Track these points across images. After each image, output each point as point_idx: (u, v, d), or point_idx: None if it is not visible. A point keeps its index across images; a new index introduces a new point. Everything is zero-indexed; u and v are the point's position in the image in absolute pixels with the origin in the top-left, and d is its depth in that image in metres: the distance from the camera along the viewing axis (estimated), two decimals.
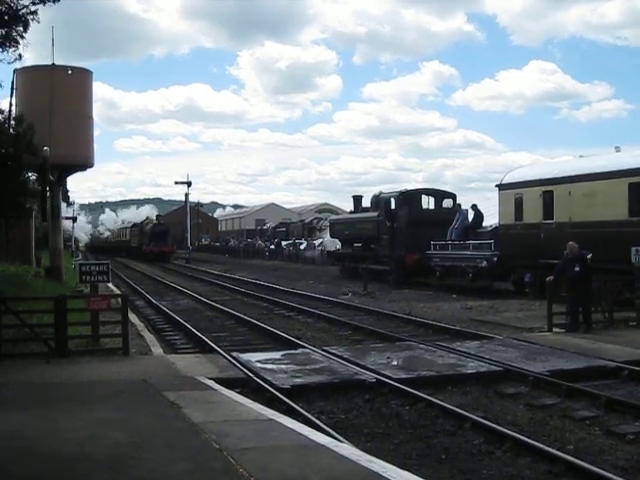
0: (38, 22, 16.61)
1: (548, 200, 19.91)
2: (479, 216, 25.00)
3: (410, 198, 27.38)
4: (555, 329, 14.01)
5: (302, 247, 54.42)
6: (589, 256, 14.19)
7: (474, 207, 25.27)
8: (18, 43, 16.87)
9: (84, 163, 28.04)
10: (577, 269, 13.98)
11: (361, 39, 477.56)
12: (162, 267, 48.21)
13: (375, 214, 28.47)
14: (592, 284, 14.31)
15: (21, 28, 16.83)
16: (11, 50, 17.09)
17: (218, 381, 9.63)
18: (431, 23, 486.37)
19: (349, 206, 36.29)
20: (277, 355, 12.00)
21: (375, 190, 30.60)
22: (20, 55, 17.33)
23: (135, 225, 69.04)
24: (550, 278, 14.52)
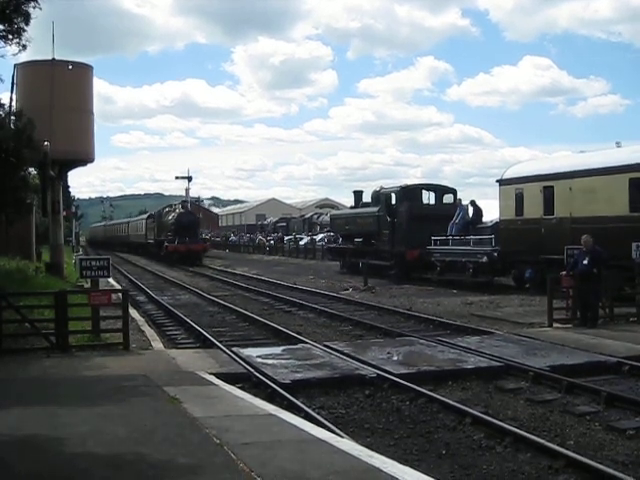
0: (40, 9, 16.52)
1: (549, 195, 19.90)
2: (478, 212, 25.04)
3: (410, 193, 27.38)
4: (556, 324, 14.01)
5: (302, 242, 54.55)
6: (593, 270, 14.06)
7: (473, 203, 25.30)
8: (22, 32, 16.71)
9: (84, 158, 27.99)
10: (585, 262, 13.94)
11: (355, 34, 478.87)
12: (164, 262, 43.97)
13: (376, 209, 28.45)
14: (600, 282, 14.07)
15: (23, 22, 16.75)
16: (14, 42, 16.97)
17: (219, 376, 9.63)
18: (424, 18, 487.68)
19: (349, 201, 36.37)
20: (278, 350, 12.01)
21: (374, 185, 30.83)
22: (24, 46, 17.19)
23: (151, 215, 54.24)
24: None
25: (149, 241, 52.54)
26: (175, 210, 47.66)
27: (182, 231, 43.51)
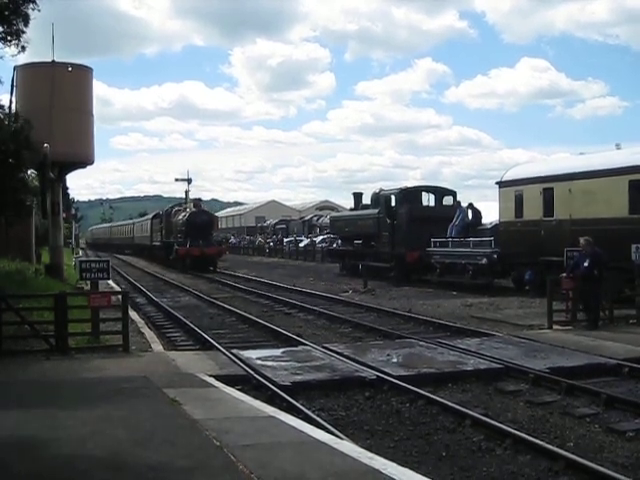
0: (39, 11, 16.56)
1: (548, 197, 19.92)
2: (477, 214, 25.09)
3: (410, 195, 27.43)
4: (555, 326, 14.02)
5: (302, 244, 54.56)
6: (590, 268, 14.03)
7: (470, 205, 25.36)
8: (21, 34, 16.75)
9: (84, 160, 27.96)
10: (585, 265, 13.95)
11: (352, 36, 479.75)
12: (164, 264, 43.06)
13: (375, 211, 28.48)
14: (600, 284, 14.06)
15: (22, 23, 16.79)
16: (13, 43, 17.03)
17: (218, 378, 9.63)
18: (421, 21, 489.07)
19: (348, 203, 36.36)
20: (277, 352, 12.00)
21: (373, 187, 30.88)
22: (23, 47, 17.24)
23: (158, 215, 48.77)
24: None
25: (154, 243, 48.22)
26: (186, 209, 42.31)
27: (195, 232, 38.47)
